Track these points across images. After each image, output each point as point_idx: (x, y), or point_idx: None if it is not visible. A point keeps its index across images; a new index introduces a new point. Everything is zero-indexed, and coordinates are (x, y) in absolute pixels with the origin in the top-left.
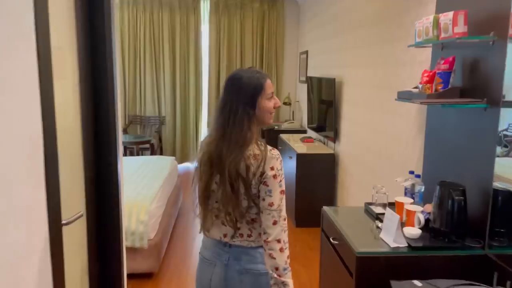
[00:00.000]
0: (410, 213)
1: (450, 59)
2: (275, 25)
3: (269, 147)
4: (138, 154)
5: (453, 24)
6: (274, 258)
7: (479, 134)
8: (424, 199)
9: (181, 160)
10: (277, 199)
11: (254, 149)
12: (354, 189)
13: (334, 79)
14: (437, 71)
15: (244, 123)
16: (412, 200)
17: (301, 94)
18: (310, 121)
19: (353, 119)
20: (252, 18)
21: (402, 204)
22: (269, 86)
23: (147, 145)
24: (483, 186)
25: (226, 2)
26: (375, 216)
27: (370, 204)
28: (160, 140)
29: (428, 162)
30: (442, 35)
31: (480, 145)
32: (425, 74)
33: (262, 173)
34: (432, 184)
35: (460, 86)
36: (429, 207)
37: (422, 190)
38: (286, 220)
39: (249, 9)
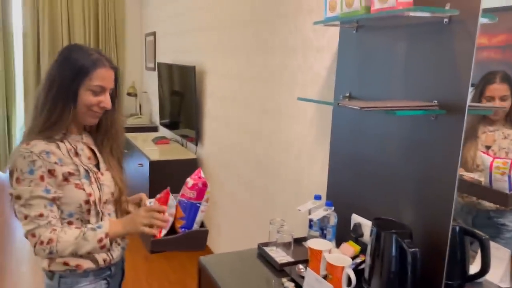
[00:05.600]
0: (335, 269)
1: (200, 183)
2: None
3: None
4: None
5: None
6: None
7: (423, 151)
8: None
9: None
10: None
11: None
12: (226, 215)
13: (194, 66)
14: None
15: (50, 106)
16: (331, 246)
17: (150, 83)
18: (162, 116)
19: (220, 118)
20: None
21: (319, 253)
22: (100, 77)
23: None
24: (435, 226)
25: None
26: (278, 268)
27: (266, 245)
28: None
29: (334, 182)
30: (377, 5)
31: (427, 167)
32: None
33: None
34: (341, 212)
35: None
36: (348, 249)
37: (336, 223)
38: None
39: None
